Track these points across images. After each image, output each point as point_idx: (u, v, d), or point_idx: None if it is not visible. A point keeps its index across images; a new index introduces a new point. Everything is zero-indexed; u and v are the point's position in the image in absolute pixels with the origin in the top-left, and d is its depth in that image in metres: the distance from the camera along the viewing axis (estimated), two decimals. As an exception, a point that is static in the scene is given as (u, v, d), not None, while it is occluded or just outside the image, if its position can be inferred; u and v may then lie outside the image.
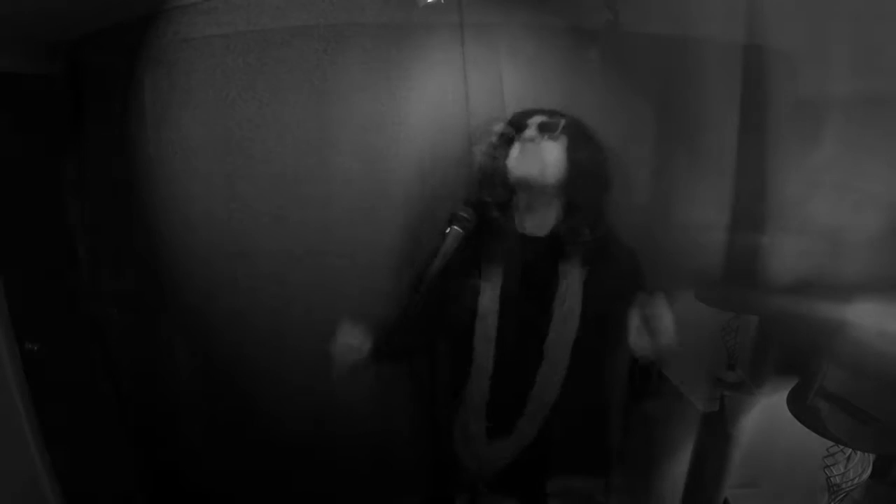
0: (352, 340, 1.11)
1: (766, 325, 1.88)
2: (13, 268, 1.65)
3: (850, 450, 1.46)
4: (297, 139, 1.68)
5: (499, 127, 1.12)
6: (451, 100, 1.74)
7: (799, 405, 1.47)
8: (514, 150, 1.09)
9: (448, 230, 1.05)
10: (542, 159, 1.06)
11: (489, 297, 1.08)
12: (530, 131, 1.07)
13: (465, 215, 1.08)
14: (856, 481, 1.47)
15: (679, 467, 1.73)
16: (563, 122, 1.08)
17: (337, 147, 1.72)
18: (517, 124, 1.11)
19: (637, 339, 0.96)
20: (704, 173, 1.61)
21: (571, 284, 1.06)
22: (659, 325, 0.93)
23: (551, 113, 1.11)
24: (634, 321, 0.96)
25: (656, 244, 1.51)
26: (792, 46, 1.45)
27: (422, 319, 1.10)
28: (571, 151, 1.08)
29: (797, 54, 1.44)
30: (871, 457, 1.49)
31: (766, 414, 1.66)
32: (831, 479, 1.50)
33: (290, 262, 1.73)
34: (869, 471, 1.52)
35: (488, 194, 1.11)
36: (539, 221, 1.09)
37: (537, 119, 1.09)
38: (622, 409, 1.18)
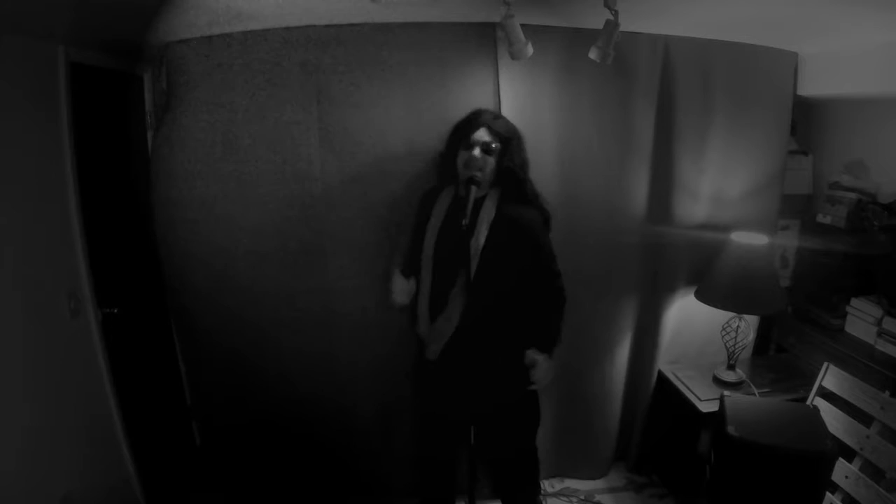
0: (402, 284, 1.79)
1: (678, 248, 2.29)
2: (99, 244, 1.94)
3: (737, 322, 2.12)
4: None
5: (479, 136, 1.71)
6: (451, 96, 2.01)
7: (702, 294, 2.11)
8: (469, 160, 1.70)
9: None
10: (483, 165, 1.70)
11: (433, 224, 1.76)
12: (476, 150, 1.69)
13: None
14: (743, 342, 2.13)
15: (623, 352, 2.33)
16: (498, 141, 1.71)
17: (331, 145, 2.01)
18: (471, 143, 1.71)
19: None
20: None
21: (485, 217, 1.70)
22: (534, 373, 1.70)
23: (492, 130, 1.71)
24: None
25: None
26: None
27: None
28: (501, 153, 1.72)
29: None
30: (753, 327, 2.18)
31: (683, 310, 2.30)
32: (727, 344, 2.16)
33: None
34: (751, 336, 2.19)
35: (462, 178, 1.72)
36: (479, 190, 1.69)
37: (482, 137, 1.71)
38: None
